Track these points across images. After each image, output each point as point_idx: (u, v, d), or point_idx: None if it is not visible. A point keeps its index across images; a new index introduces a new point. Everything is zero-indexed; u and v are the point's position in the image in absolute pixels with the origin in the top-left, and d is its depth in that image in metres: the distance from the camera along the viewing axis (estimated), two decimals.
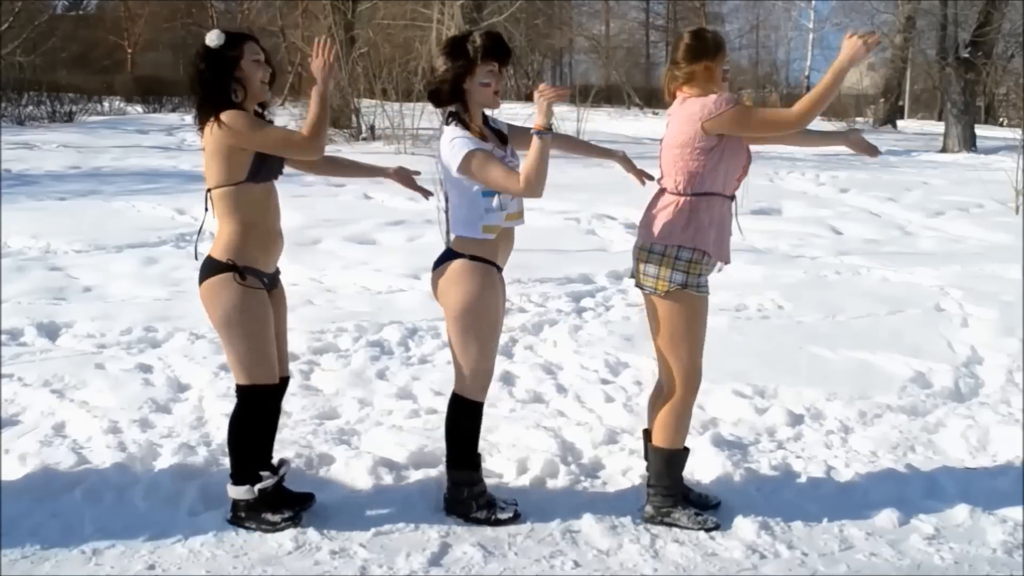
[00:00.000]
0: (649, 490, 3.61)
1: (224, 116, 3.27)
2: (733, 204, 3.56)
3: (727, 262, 3.59)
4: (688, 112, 3.40)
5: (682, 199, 3.43)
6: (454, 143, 3.36)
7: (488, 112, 3.56)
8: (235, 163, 3.32)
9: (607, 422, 4.58)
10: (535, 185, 3.29)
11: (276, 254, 3.52)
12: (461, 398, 3.55)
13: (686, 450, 3.65)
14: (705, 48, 3.42)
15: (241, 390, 3.47)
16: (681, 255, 3.43)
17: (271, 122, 3.48)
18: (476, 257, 3.43)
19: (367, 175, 3.99)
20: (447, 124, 3.43)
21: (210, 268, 3.39)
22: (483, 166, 3.32)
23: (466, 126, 3.40)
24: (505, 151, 3.50)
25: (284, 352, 3.66)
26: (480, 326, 3.46)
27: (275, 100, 3.69)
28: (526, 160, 3.31)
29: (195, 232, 9.25)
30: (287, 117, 18.25)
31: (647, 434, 3.76)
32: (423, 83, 18.32)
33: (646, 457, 3.77)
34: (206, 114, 3.33)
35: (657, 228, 3.47)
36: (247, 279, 3.35)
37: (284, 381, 3.66)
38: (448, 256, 3.50)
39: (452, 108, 3.45)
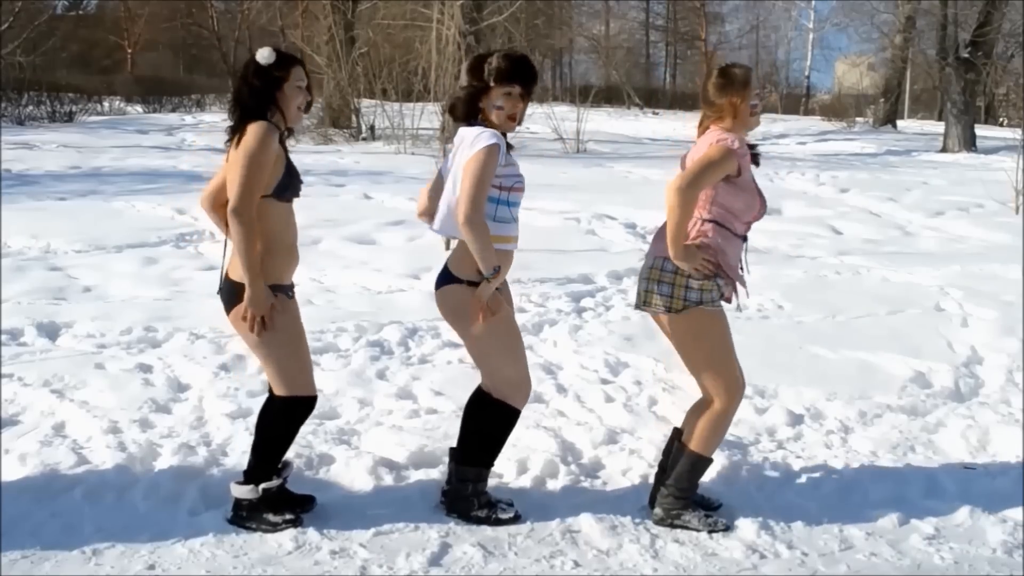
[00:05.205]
0: (663, 489, 3.59)
1: (250, 129, 3.27)
2: (744, 244, 3.56)
3: (744, 289, 3.58)
4: (705, 140, 3.46)
5: (699, 221, 3.45)
6: (483, 134, 3.31)
7: None
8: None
9: (607, 422, 4.58)
10: (471, 226, 3.27)
11: (294, 268, 3.52)
12: (501, 403, 3.54)
13: (711, 460, 3.64)
14: (731, 84, 3.48)
15: (281, 401, 3.46)
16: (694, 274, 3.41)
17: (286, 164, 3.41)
18: (473, 283, 3.40)
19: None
20: (469, 125, 3.41)
21: (235, 294, 3.36)
22: (487, 163, 3.28)
23: None
24: (516, 165, 3.48)
25: None
26: (497, 341, 3.46)
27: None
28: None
29: (195, 232, 9.33)
30: None
31: (676, 432, 3.74)
32: (423, 83, 18.43)
33: (666, 452, 3.75)
34: (240, 129, 3.32)
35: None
36: (276, 296, 3.35)
37: None
38: (446, 279, 3.48)
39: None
